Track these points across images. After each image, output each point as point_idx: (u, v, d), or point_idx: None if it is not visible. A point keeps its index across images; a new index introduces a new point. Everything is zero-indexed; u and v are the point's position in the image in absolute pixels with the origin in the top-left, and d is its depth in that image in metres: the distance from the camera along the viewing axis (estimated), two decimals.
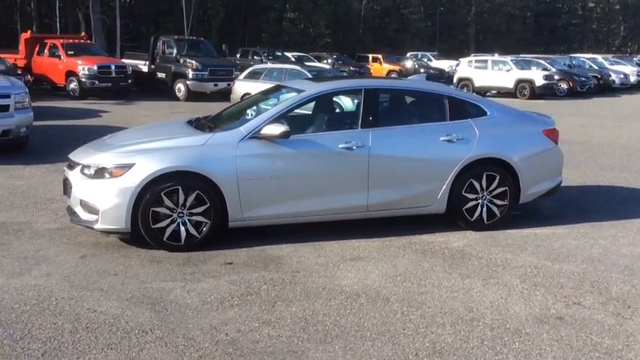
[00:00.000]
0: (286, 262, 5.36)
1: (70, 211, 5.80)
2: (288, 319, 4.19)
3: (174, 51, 22.95)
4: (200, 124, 6.29)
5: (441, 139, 6.16)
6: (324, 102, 6.45)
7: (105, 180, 5.44)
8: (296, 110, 6.28)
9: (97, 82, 21.13)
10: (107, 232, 5.61)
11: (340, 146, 5.85)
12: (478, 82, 27.15)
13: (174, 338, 3.87)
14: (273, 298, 4.56)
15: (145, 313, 4.23)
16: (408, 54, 42.08)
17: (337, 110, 6.68)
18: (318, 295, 4.64)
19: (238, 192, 5.60)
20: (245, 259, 5.42)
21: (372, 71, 35.68)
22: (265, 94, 7.08)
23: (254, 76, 17.66)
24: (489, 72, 27.31)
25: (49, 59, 22.49)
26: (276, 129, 5.63)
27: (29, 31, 24.99)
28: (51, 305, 4.32)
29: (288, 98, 6.10)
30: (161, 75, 23.24)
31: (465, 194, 6.25)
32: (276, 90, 6.90)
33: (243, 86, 17.40)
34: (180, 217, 5.52)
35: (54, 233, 6.00)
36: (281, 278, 4.97)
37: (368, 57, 37.97)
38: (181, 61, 22.40)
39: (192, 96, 21.66)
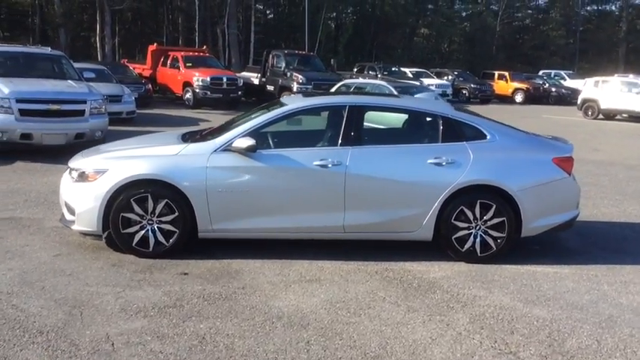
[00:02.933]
0: (240, 278, 5.29)
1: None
2: (185, 336, 4.12)
3: (283, 65, 23.60)
4: (190, 135, 6.39)
5: (429, 161, 5.75)
6: (305, 117, 6.29)
7: (83, 183, 5.71)
8: (289, 125, 6.21)
9: (209, 93, 22.26)
10: (83, 234, 5.86)
11: (315, 163, 5.67)
12: (604, 104, 25.14)
13: (60, 343, 3.95)
14: (193, 313, 4.51)
15: (58, 315, 4.36)
16: (541, 72, 39.97)
17: (319, 126, 6.48)
18: (240, 314, 4.52)
19: (207, 203, 5.62)
20: (203, 270, 5.42)
21: (494, 89, 34.32)
22: (266, 108, 7.04)
23: (341, 91, 17.62)
24: (618, 94, 25.12)
25: (170, 70, 24.09)
26: (244, 142, 5.59)
27: (155, 44, 26.91)
28: None
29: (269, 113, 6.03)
30: (270, 88, 23.98)
31: (455, 222, 5.79)
32: (275, 105, 6.85)
33: None
34: (150, 224, 5.64)
35: (54, 231, 6.37)
36: (220, 293, 4.91)
37: (494, 74, 36.50)
38: (288, 74, 23.00)
39: None
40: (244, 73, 27.59)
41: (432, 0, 52.92)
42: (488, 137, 5.93)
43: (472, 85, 33.67)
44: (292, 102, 6.15)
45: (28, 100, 10.46)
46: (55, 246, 5.93)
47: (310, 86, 22.20)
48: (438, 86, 31.33)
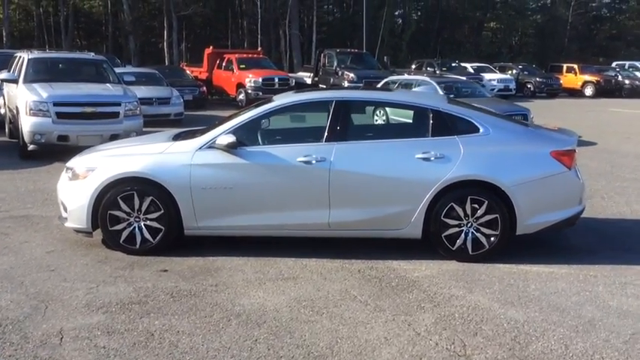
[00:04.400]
0: (218, 275, 5.28)
1: None
2: (135, 332, 4.14)
3: (335, 63, 23.57)
4: (183, 134, 6.43)
5: (417, 156, 5.55)
6: (291, 113, 6.20)
7: (74, 182, 5.87)
8: (282, 121, 6.16)
9: (260, 94, 22.41)
10: (75, 231, 6.00)
11: (298, 159, 5.58)
12: None
13: (12, 336, 4.04)
14: (153, 309, 4.53)
15: (23, 309, 4.48)
16: (614, 63, 38.00)
17: (311, 123, 6.35)
18: (200, 311, 4.50)
19: (192, 200, 5.64)
20: (184, 267, 5.45)
21: (562, 83, 32.92)
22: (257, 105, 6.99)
23: (387, 87, 17.38)
24: None
25: (224, 72, 24.55)
26: (225, 140, 5.58)
27: (211, 47, 27.46)
28: None
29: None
30: (322, 86, 23.95)
31: (445, 219, 5.56)
32: (266, 102, 6.78)
33: None
34: (137, 221, 5.73)
35: (58, 229, 6.55)
36: (190, 290, 4.91)
37: (562, 67, 35.00)
38: (339, 73, 22.94)
39: None
40: (300, 73, 27.76)
41: None
42: (481, 131, 5.65)
43: (537, 79, 32.43)
44: (281, 99, 6.09)
45: (64, 103, 10.90)
46: (52, 243, 6.13)
47: (361, 84, 22.05)
48: (500, 81, 30.47)
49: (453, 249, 5.61)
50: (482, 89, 16.45)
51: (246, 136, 5.78)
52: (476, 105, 6.81)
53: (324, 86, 23.76)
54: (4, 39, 40.45)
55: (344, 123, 5.73)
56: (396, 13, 49.12)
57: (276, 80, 22.83)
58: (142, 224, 5.72)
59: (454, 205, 5.53)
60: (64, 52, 14.68)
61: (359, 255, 5.77)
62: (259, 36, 41.79)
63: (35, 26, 49.02)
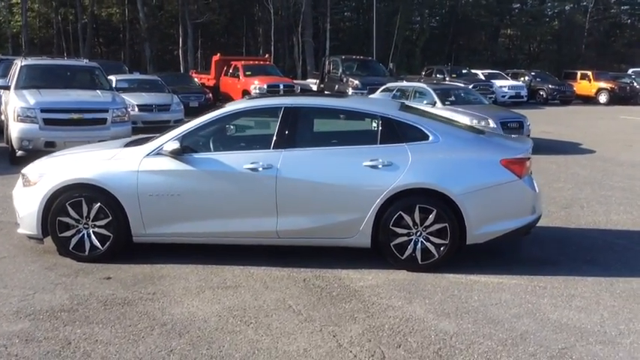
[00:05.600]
0: (160, 283, 5.23)
1: None
2: (53, 341, 4.09)
3: (340, 70, 23.50)
4: (138, 140, 6.40)
5: (364, 164, 5.45)
6: (240, 120, 6.13)
7: (27, 188, 5.88)
8: (234, 128, 6.12)
9: None
10: (28, 237, 5.99)
11: (245, 167, 5.52)
12: None
13: None
14: (80, 317, 4.47)
15: None
16: (630, 70, 37.34)
17: (256, 129, 6.29)
18: (126, 320, 4.44)
19: (139, 207, 5.61)
20: (129, 275, 5.41)
21: (575, 90, 32.45)
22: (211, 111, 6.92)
23: (384, 94, 17.26)
24: None
25: (231, 79, 24.65)
26: (170, 146, 5.55)
27: (218, 54, 27.59)
28: None
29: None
30: (327, 93, 23.91)
31: (394, 228, 5.45)
32: (216, 108, 6.70)
33: None
34: (86, 228, 5.71)
35: (18, 235, 6.53)
36: (125, 299, 4.86)
37: (576, 74, 34.50)
38: (344, 79, 22.87)
39: None
40: (308, 80, 27.77)
41: None
42: (430, 138, 5.54)
43: (550, 86, 31.99)
44: (231, 105, 6.04)
45: (51, 109, 10.96)
46: (7, 249, 6.13)
47: (366, 91, 21.91)
48: (511, 87, 30.15)
49: (403, 258, 5.49)
50: (480, 96, 16.23)
51: (195, 142, 5.74)
52: (431, 112, 6.69)
53: (329, 93, 23.73)
54: (23, 46, 41.22)
55: (292, 130, 5.66)
56: (413, 19, 49.03)
57: (281, 87, 22.83)
58: (91, 231, 5.70)
59: (402, 214, 5.42)
60: (58, 59, 14.82)
61: (310, 263, 5.68)
62: (272, 43, 41.99)
63: (55, 33, 49.84)
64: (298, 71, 41.47)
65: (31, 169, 5.98)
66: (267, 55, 30.91)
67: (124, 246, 5.77)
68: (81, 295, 4.94)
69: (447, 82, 22.59)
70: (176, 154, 5.53)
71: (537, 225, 5.91)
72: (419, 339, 4.16)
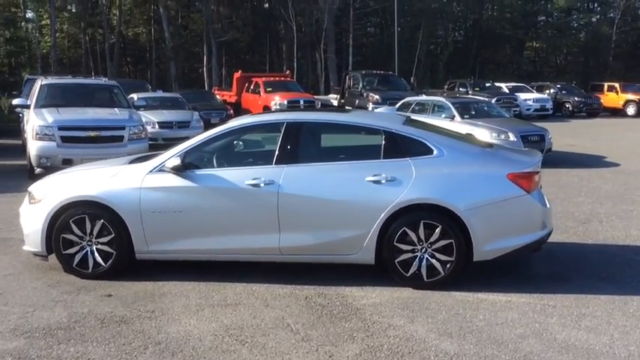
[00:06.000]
0: (160, 301, 5.18)
1: None
2: (45, 359, 4.07)
3: (360, 85, 23.46)
4: (143, 157, 6.38)
5: (367, 179, 5.35)
6: (243, 136, 6.08)
7: (32, 205, 5.90)
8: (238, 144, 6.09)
9: None
10: (34, 254, 5.99)
11: (247, 183, 5.46)
12: None
13: None
14: (76, 336, 4.42)
15: None
16: None
17: (259, 145, 6.22)
18: (122, 339, 4.39)
19: (142, 224, 5.58)
20: (130, 292, 5.36)
21: (603, 102, 31.90)
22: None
23: (403, 108, 17.14)
24: None
25: (252, 95, 24.80)
26: (172, 163, 5.52)
27: (240, 71, 27.78)
28: None
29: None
30: (349, 109, 23.86)
31: (398, 244, 5.32)
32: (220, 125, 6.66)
33: None
34: (89, 245, 5.69)
35: (26, 252, 6.58)
36: (123, 317, 4.81)
37: (603, 86, 33.93)
38: (364, 94, 22.81)
39: None
40: (330, 96, 27.78)
41: (543, 11, 50.40)
42: (434, 152, 5.42)
43: (576, 99, 31.51)
44: (234, 121, 6.01)
45: (69, 127, 11.12)
46: (14, 265, 6.15)
47: (386, 105, 21.82)
48: (536, 100, 29.74)
49: (407, 276, 5.36)
50: (501, 110, 16.01)
51: (197, 159, 5.71)
52: (437, 126, 6.56)
53: (350, 108, 23.68)
54: (52, 65, 42.10)
55: (295, 145, 5.59)
56: (437, 32, 48.89)
57: (302, 102, 22.85)
58: (94, 248, 5.68)
59: (407, 230, 5.29)
60: (78, 78, 15.04)
61: (313, 280, 5.58)
62: (295, 60, 42.23)
63: (83, 53, 50.85)
64: (321, 87, 41.58)
65: (36, 187, 6.01)
66: (287, 72, 31.05)
67: (127, 263, 5.74)
68: (79, 312, 4.90)
69: (466, 96, 22.36)
70: (177, 171, 5.51)
71: (554, 241, 5.74)
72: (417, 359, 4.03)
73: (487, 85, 30.78)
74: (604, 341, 4.29)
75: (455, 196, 5.24)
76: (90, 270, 5.70)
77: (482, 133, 13.66)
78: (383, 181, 5.32)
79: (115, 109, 12.45)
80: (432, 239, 5.28)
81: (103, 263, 5.68)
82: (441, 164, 5.37)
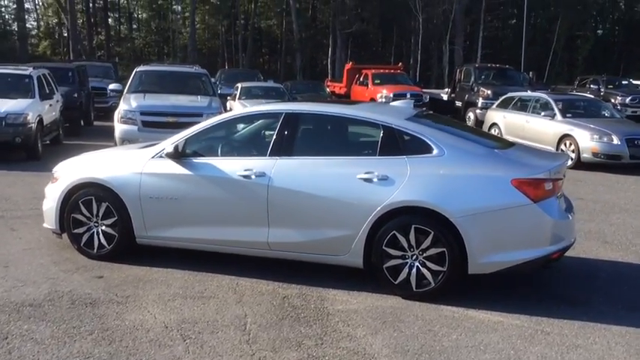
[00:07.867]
0: (142, 287, 5.16)
1: None
2: (9, 338, 4.16)
3: (472, 79, 22.36)
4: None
5: (358, 176, 4.96)
6: (244, 125, 5.86)
7: (51, 184, 6.15)
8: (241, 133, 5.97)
9: None
10: (52, 232, 6.22)
11: (238, 173, 5.30)
12: None
13: None
14: (38, 314, 4.48)
15: None
16: None
17: (259, 135, 5.91)
18: (75, 321, 4.38)
19: (141, 209, 5.61)
20: (120, 276, 5.40)
21: None
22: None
23: (503, 104, 16.07)
24: None
25: (360, 87, 24.57)
26: (169, 149, 5.49)
27: (351, 63, 27.56)
28: None
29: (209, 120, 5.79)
30: (458, 103, 22.91)
31: (387, 249, 4.90)
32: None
33: (492, 115, 16.09)
34: (96, 226, 5.83)
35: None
36: (96, 300, 4.83)
37: None
38: (475, 89, 21.71)
39: (480, 126, 20.73)
40: (446, 90, 26.84)
41: None
42: (434, 151, 4.91)
43: None
44: (234, 110, 5.85)
45: (150, 112, 11.60)
46: (34, 241, 6.38)
47: (496, 101, 20.63)
48: None
49: (396, 283, 4.92)
50: (614, 110, 14.48)
51: (196, 147, 5.63)
52: (454, 122, 5.96)
53: (460, 103, 22.71)
54: (188, 55, 44.56)
55: (291, 137, 5.32)
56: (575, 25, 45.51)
57: (408, 95, 22.18)
58: (100, 229, 5.80)
59: (397, 234, 4.85)
60: (172, 66, 15.67)
61: (304, 280, 5.30)
62: (419, 52, 41.33)
63: (220, 44, 53.32)
64: (445, 80, 40.30)
65: (58, 167, 6.24)
66: (400, 64, 30.34)
67: (128, 246, 5.80)
68: (60, 291, 5.00)
69: (576, 93, 20.49)
70: (173, 158, 5.46)
71: (585, 257, 4.99)
72: None
73: (623, 82, 28.11)
74: None
75: (449, 201, 4.72)
76: (95, 251, 5.82)
77: (582, 135, 12.51)
78: (374, 180, 4.91)
79: (198, 96, 12.80)
80: (423, 246, 4.80)
81: (106, 245, 5.79)
82: (438, 164, 4.85)
